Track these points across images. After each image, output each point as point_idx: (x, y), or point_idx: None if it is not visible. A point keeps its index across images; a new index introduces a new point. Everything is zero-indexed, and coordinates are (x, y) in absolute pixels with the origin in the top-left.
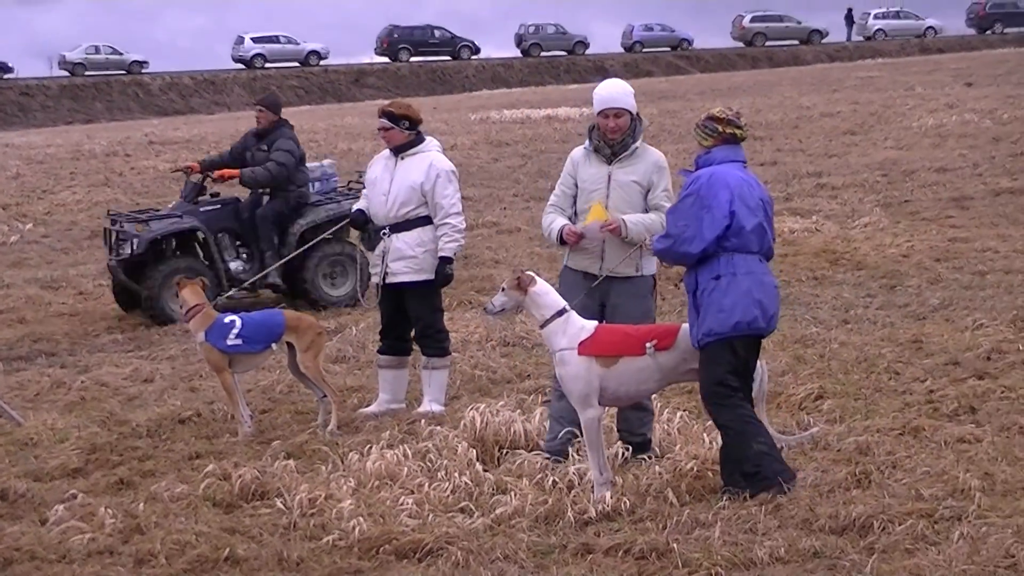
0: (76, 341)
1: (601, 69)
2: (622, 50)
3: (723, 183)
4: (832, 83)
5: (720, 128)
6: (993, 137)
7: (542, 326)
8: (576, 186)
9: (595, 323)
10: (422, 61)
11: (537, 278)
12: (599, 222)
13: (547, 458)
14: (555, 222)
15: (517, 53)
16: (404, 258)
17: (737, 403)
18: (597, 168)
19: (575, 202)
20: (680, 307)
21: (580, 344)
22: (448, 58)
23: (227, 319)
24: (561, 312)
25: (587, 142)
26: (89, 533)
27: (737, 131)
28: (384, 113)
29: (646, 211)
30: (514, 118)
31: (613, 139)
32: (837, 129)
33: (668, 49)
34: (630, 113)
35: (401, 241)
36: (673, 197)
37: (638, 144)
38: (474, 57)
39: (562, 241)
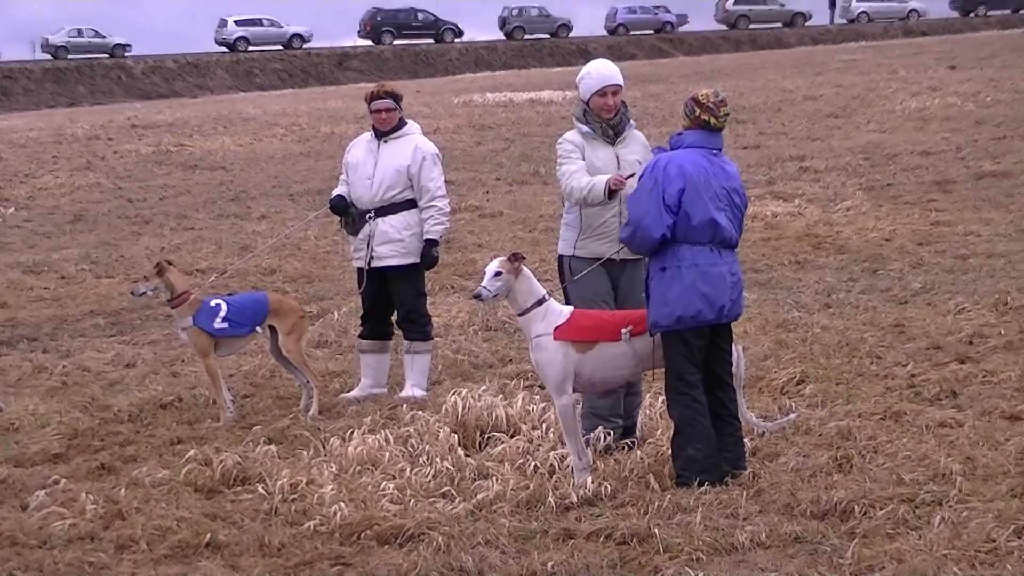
0: (58, 326)
1: (585, 52)
2: (606, 33)
3: (679, 171)
4: (815, 66)
5: (697, 112)
6: (976, 120)
7: (521, 314)
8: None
9: (571, 309)
10: (405, 44)
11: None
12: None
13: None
14: (595, 178)
15: (500, 36)
16: (391, 241)
17: (688, 401)
18: (603, 150)
19: None
20: None
21: (556, 329)
22: (431, 41)
23: (212, 302)
24: (542, 300)
25: (583, 126)
26: (70, 519)
27: (712, 119)
28: (388, 93)
29: None
30: (497, 101)
31: (610, 118)
32: (820, 112)
33: (652, 32)
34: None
35: (387, 224)
36: None
37: (632, 123)
38: (457, 40)
39: (610, 194)
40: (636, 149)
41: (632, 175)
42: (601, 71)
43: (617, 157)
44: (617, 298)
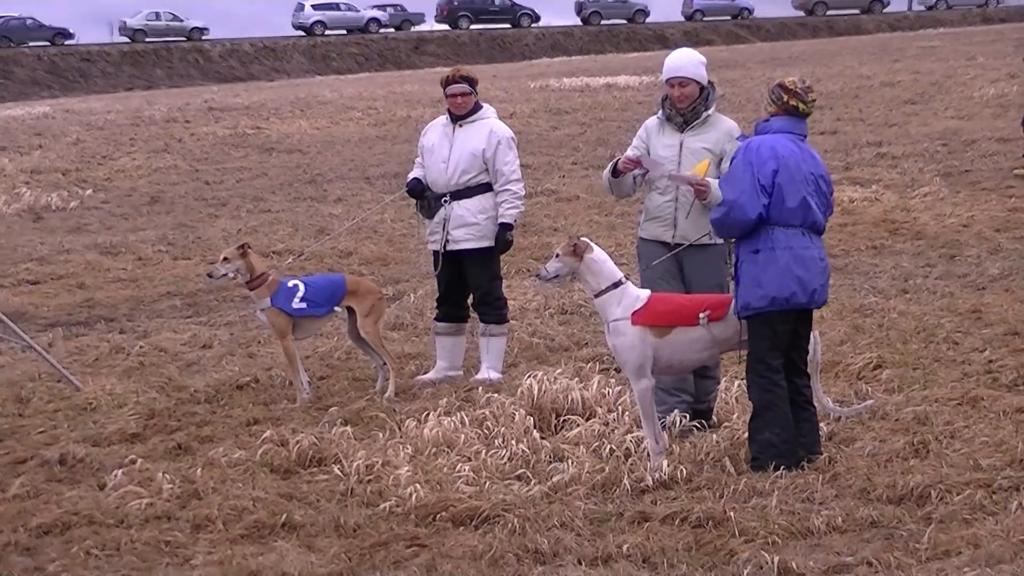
0: (135, 307)
1: (661, 38)
2: (682, 19)
3: (772, 153)
4: (893, 52)
5: (785, 98)
6: None
7: (596, 295)
8: (648, 153)
9: (648, 292)
10: (482, 29)
11: (594, 245)
12: (694, 175)
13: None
14: (614, 160)
15: (577, 21)
16: (466, 225)
17: (768, 385)
18: (670, 137)
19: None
20: None
21: (634, 314)
22: (508, 26)
23: (290, 283)
24: (618, 283)
25: (660, 112)
26: (147, 498)
27: (800, 104)
28: (463, 78)
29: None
30: (573, 86)
31: (682, 108)
32: (897, 99)
33: (728, 18)
34: (696, 82)
35: (463, 208)
36: None
37: (710, 112)
38: (534, 25)
39: (615, 172)
40: (709, 137)
41: (702, 182)
42: (669, 62)
43: (681, 144)
44: (684, 283)
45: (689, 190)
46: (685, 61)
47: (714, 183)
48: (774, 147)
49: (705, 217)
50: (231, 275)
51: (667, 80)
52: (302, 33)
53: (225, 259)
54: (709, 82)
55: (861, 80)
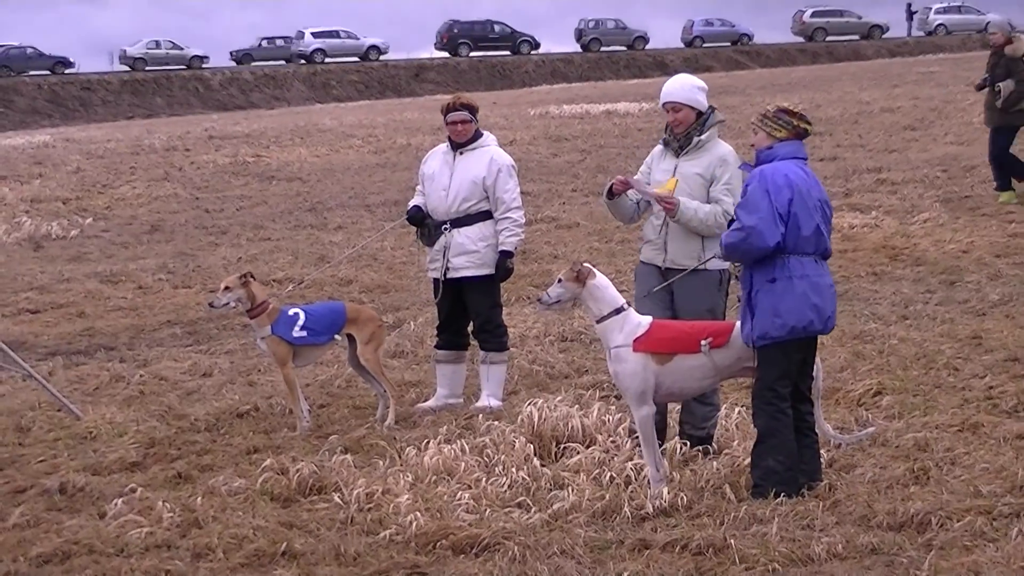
0: (135, 335)
1: (661, 64)
2: (682, 45)
3: (786, 182)
4: (892, 78)
5: (795, 122)
6: None
7: (598, 321)
8: (651, 178)
9: (650, 319)
10: (482, 56)
11: (596, 271)
12: (663, 191)
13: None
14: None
15: (577, 48)
16: (466, 252)
17: (775, 413)
18: (667, 162)
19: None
20: None
21: (635, 341)
22: (508, 53)
23: (291, 311)
24: (619, 310)
25: (663, 136)
26: (147, 527)
27: (808, 127)
28: (464, 105)
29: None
30: (573, 113)
31: (677, 133)
32: (897, 124)
33: (728, 44)
34: (691, 107)
35: (463, 236)
36: (737, 193)
37: (702, 138)
38: (534, 52)
39: (610, 194)
40: (701, 162)
41: (669, 198)
42: (665, 87)
43: (675, 168)
44: (673, 309)
45: (659, 207)
46: (678, 87)
47: (686, 201)
48: (788, 175)
49: (694, 242)
50: (232, 304)
51: (662, 105)
52: (302, 61)
53: (226, 288)
54: (711, 108)
55: (861, 106)
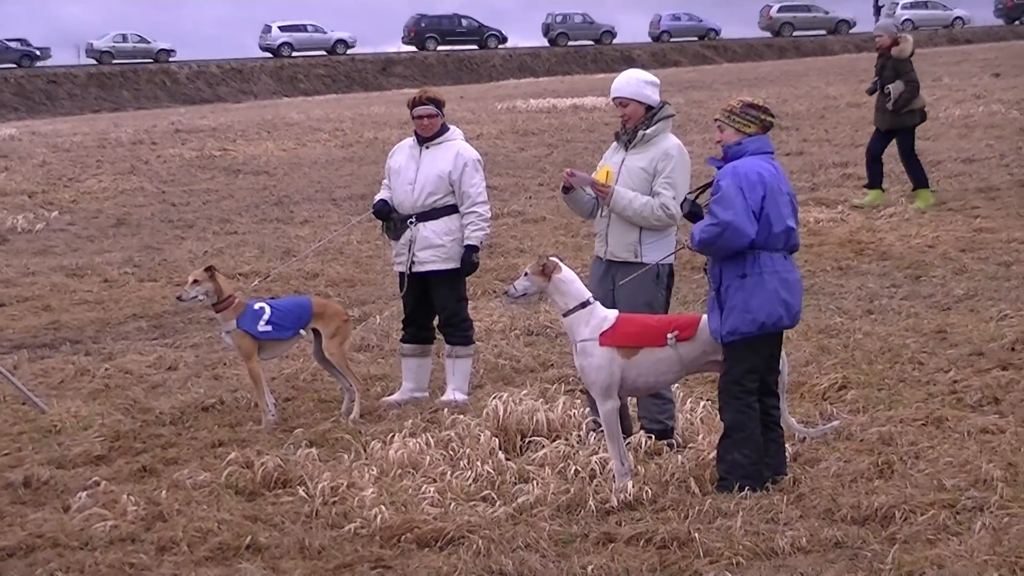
0: (100, 329)
1: (628, 59)
2: (649, 40)
3: (759, 179)
4: (859, 73)
5: (761, 116)
6: (1020, 128)
7: (564, 315)
8: None
9: (616, 313)
10: (449, 50)
11: (562, 265)
12: (596, 180)
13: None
14: None
15: (544, 42)
16: (432, 247)
17: (742, 407)
18: (617, 155)
19: None
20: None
21: (601, 335)
22: (475, 47)
23: (256, 305)
24: (586, 303)
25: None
26: (111, 520)
27: (772, 119)
28: (430, 99)
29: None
30: (540, 107)
31: (628, 127)
32: (864, 119)
33: (695, 39)
34: (638, 102)
35: (428, 230)
36: (678, 187)
37: (648, 132)
38: (501, 46)
39: (565, 189)
40: (646, 155)
41: (603, 185)
42: (614, 83)
43: (622, 162)
44: (614, 302)
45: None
46: (625, 82)
47: (621, 190)
48: (760, 172)
49: (631, 234)
50: (200, 297)
51: (612, 100)
52: (269, 55)
53: (195, 281)
54: (663, 103)
55: (827, 101)
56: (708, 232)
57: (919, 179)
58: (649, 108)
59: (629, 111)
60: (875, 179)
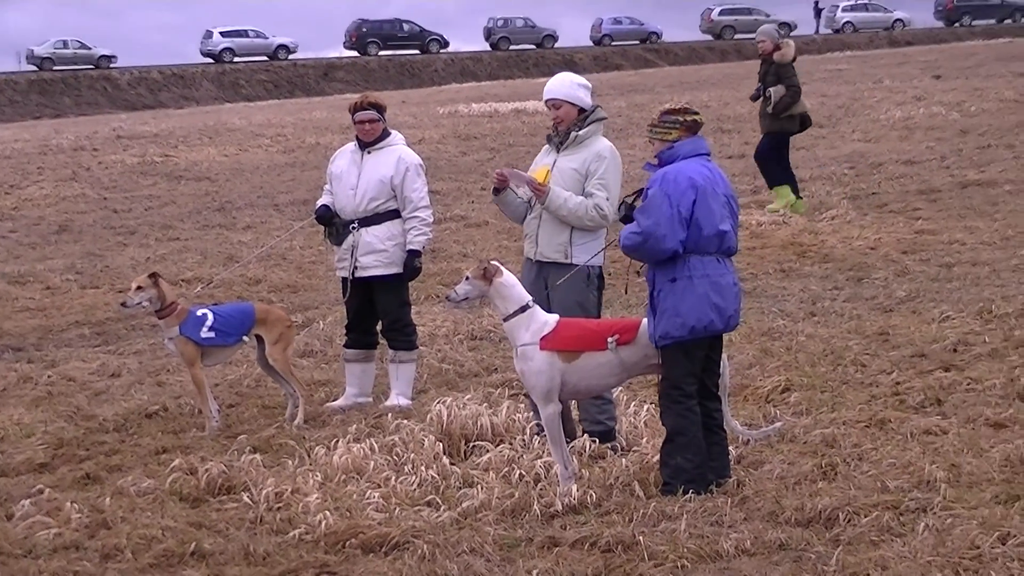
0: (43, 336)
1: (570, 62)
2: (591, 43)
3: (689, 183)
4: (801, 76)
5: (681, 119)
6: (961, 129)
7: (505, 319)
8: None
9: (556, 317)
10: (391, 55)
11: (504, 270)
12: (533, 179)
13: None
14: None
15: (486, 47)
16: (374, 252)
17: (683, 411)
18: (549, 157)
19: None
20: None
21: (542, 339)
22: (417, 52)
23: (199, 312)
24: (525, 307)
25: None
26: (55, 528)
27: (696, 117)
28: (371, 104)
29: None
30: (482, 111)
31: (560, 130)
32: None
33: (637, 42)
34: (571, 104)
35: (371, 235)
36: (611, 188)
37: (580, 133)
38: (443, 51)
39: (496, 191)
40: (578, 157)
41: (539, 185)
42: (547, 85)
43: (554, 163)
44: (548, 300)
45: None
46: (558, 84)
47: (557, 189)
48: (691, 176)
49: (562, 235)
50: (144, 304)
51: (545, 103)
52: (211, 60)
53: (138, 288)
54: (595, 106)
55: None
56: (631, 240)
57: (774, 179)
58: (582, 111)
59: (562, 113)
60: (793, 186)
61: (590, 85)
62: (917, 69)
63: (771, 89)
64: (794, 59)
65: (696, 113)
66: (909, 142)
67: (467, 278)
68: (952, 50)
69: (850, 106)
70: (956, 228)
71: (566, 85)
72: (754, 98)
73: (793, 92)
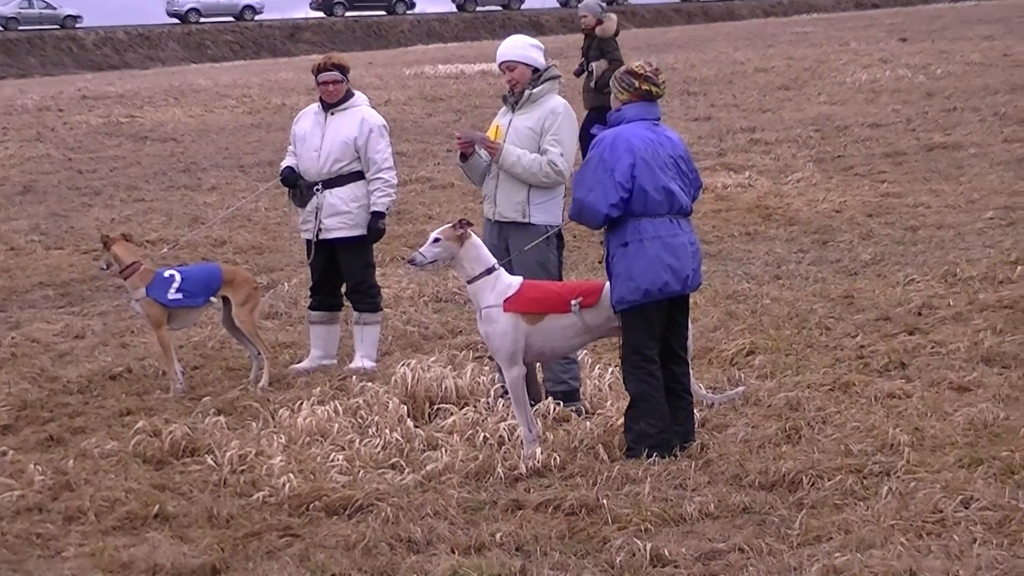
0: (7, 297)
1: (537, 24)
2: (557, 5)
3: (627, 146)
4: (767, 38)
5: (637, 84)
6: (926, 92)
7: (469, 281)
8: None
9: (520, 279)
10: (357, 16)
11: (471, 232)
12: (486, 137)
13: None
14: None
15: (452, 8)
16: (338, 213)
17: (644, 376)
18: (505, 118)
19: None
20: None
21: (505, 301)
22: (383, 13)
23: (166, 273)
24: (491, 270)
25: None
26: (18, 490)
27: (653, 88)
28: (335, 65)
29: None
30: (449, 73)
31: (515, 91)
32: (771, 84)
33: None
34: (525, 65)
35: (335, 197)
36: (565, 144)
37: (534, 92)
38: (409, 12)
39: (462, 157)
40: (532, 116)
41: (492, 143)
42: (499, 48)
43: (509, 123)
44: (509, 262)
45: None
46: (511, 46)
47: (509, 147)
48: (629, 140)
49: (519, 194)
50: (103, 266)
51: (498, 66)
52: (177, 21)
53: (105, 248)
54: (550, 65)
55: (735, 66)
56: (571, 209)
57: None
58: (536, 71)
59: (516, 75)
60: None
61: (543, 46)
62: (883, 32)
63: (594, 63)
64: (616, 33)
65: (655, 84)
66: (875, 105)
67: (435, 240)
68: (918, 13)
69: (816, 68)
70: (921, 191)
71: (519, 47)
72: (577, 74)
73: (615, 66)
